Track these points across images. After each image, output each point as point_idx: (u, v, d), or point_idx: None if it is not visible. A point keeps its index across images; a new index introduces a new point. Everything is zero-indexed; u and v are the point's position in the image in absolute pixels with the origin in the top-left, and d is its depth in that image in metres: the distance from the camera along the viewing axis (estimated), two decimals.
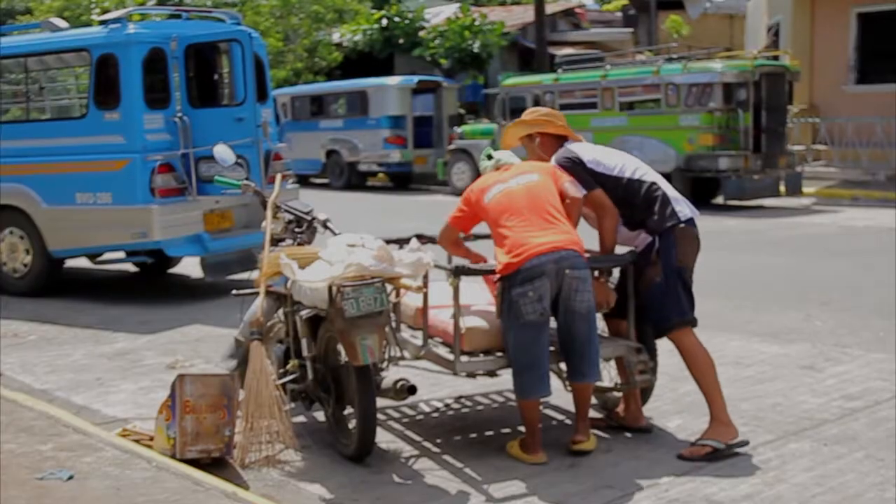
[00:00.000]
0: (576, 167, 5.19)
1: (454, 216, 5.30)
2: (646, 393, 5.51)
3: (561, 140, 5.42)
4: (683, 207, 5.18)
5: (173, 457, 4.77)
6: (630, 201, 5.17)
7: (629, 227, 5.23)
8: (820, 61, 21.03)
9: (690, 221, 5.16)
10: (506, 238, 4.88)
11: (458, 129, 21.62)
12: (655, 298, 5.14)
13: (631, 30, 33.38)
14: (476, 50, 28.15)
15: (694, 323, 5.17)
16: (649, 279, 5.13)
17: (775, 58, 18.69)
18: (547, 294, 4.77)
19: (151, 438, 5.04)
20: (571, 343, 4.90)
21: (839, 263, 10.84)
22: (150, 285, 10.77)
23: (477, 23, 28.71)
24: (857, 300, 8.83)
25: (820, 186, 18.51)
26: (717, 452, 4.91)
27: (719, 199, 16.69)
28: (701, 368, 5.13)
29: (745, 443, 5.03)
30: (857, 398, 5.91)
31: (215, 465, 4.81)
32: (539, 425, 4.99)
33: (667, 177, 16.75)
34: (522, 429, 5.39)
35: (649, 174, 5.29)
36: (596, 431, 5.21)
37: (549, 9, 31.91)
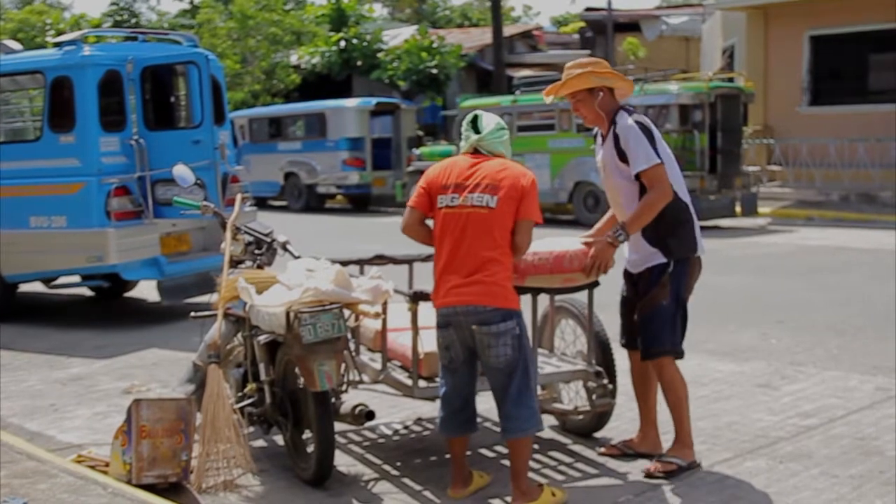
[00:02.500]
0: (649, 134, 4.87)
1: (414, 198, 4.68)
2: (605, 416, 5.53)
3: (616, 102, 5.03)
4: (701, 239, 5.08)
5: (129, 482, 4.71)
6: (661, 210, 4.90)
7: (643, 230, 4.94)
8: (774, 83, 21.31)
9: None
10: (435, 267, 4.65)
11: (417, 151, 21.67)
12: (655, 321, 4.99)
13: (588, 52, 33.64)
14: (434, 72, 28.25)
15: (681, 355, 5.10)
16: (655, 299, 4.97)
17: (730, 80, 18.92)
18: (454, 344, 4.57)
19: (107, 464, 4.99)
20: (495, 396, 4.64)
21: (794, 282, 10.96)
22: (105, 309, 10.67)
23: (435, 45, 28.82)
24: (812, 318, 8.93)
25: (775, 207, 18.73)
26: (681, 470, 4.95)
27: None
28: (676, 397, 5.06)
29: (699, 465, 5.08)
30: (812, 416, 5.97)
31: (172, 490, 4.75)
32: (460, 460, 4.82)
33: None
34: (482, 451, 5.41)
35: (686, 194, 5.07)
36: (542, 479, 5.18)
37: (507, 31, 32.19)
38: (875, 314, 9.10)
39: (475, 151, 4.67)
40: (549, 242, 4.97)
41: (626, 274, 5.22)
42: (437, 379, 5.09)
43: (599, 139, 5.15)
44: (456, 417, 4.74)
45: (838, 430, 5.69)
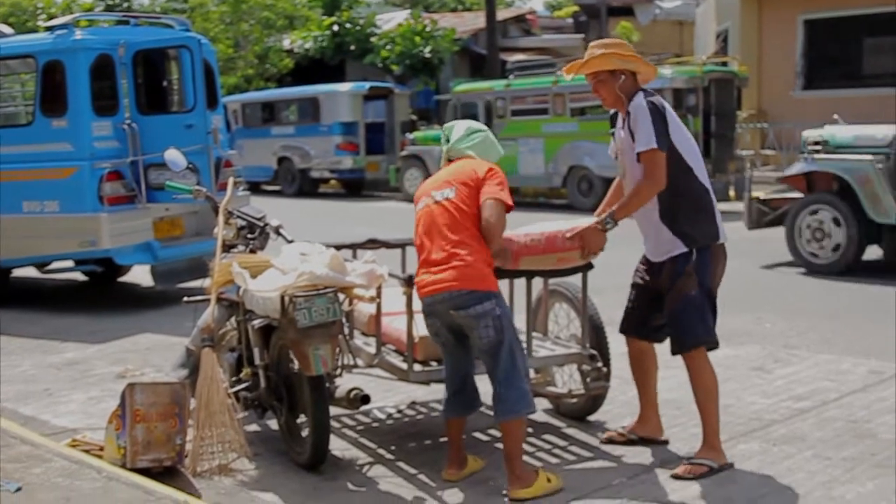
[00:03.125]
0: (659, 117, 4.72)
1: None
2: (599, 399, 5.54)
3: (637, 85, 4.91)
4: (722, 225, 4.94)
5: (124, 466, 4.71)
6: (681, 194, 4.79)
7: (661, 216, 4.83)
8: (768, 67, 21.29)
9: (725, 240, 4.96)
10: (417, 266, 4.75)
11: (410, 136, 21.61)
12: (686, 312, 4.80)
13: (582, 36, 33.57)
14: (427, 56, 28.17)
15: (716, 344, 4.91)
16: (682, 290, 4.79)
17: (724, 64, 18.89)
18: (441, 330, 4.66)
19: (101, 448, 4.99)
20: (490, 379, 4.65)
21: (789, 266, 10.96)
22: (99, 294, 10.65)
23: (428, 29, 28.72)
24: (806, 303, 8.95)
25: (769, 191, 18.70)
26: (712, 472, 4.73)
27: None
28: (707, 390, 4.86)
29: (731, 465, 4.85)
30: (806, 398, 5.99)
31: (167, 474, 4.76)
32: (456, 443, 4.85)
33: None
34: (476, 435, 5.42)
35: (707, 178, 4.93)
36: (536, 463, 5.19)
37: (501, 15, 32.05)
38: (868, 298, 9.12)
39: (449, 160, 4.89)
40: (540, 225, 4.95)
41: (646, 261, 5.08)
42: (433, 363, 5.11)
43: (619, 120, 5.00)
44: (455, 398, 4.80)
45: (831, 413, 5.71)
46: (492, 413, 4.90)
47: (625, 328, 5.22)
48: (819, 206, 10.42)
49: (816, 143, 10.76)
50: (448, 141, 4.89)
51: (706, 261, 4.84)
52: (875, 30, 20.37)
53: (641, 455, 5.09)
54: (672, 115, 4.81)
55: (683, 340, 4.85)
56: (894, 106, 18.96)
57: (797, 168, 10.95)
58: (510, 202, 4.58)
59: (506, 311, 4.59)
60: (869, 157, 10.01)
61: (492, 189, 4.57)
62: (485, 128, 4.95)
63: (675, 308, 4.85)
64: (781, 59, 21.00)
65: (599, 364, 5.29)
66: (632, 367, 5.29)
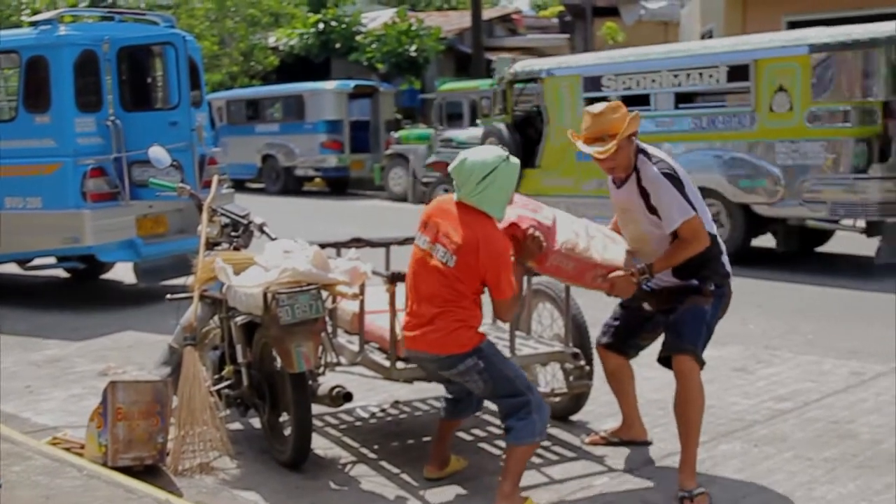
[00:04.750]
0: (678, 182, 4.56)
1: None
2: (582, 398, 5.54)
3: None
4: (727, 260, 4.81)
5: (105, 465, 4.70)
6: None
7: (673, 272, 4.73)
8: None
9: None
10: (406, 297, 4.68)
11: (395, 134, 21.60)
12: (693, 320, 4.65)
13: (567, 36, 33.62)
14: (413, 55, 28.16)
15: (702, 364, 4.68)
16: (695, 302, 4.67)
17: None
18: (429, 373, 4.78)
19: (82, 447, 4.97)
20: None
21: (772, 268, 11.00)
22: (81, 291, 10.60)
23: (414, 28, 28.71)
24: (788, 304, 8.98)
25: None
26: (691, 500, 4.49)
27: None
28: (696, 410, 4.64)
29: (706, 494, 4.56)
30: (787, 399, 6.02)
31: (148, 472, 4.74)
32: (443, 442, 4.86)
33: None
34: (459, 434, 5.41)
35: (712, 224, 4.75)
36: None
37: (486, 14, 32.09)
38: (850, 299, 9.17)
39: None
40: (584, 236, 4.71)
41: (643, 288, 4.85)
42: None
43: (613, 182, 4.79)
44: (456, 405, 4.83)
45: (812, 414, 5.73)
46: (477, 415, 4.91)
47: (606, 343, 5.14)
48: (439, 183, 15.64)
49: (447, 140, 16.40)
50: (458, 188, 4.48)
51: (720, 293, 4.73)
52: None
53: (624, 455, 5.10)
54: (681, 171, 4.65)
55: (682, 343, 4.65)
56: None
57: (432, 158, 16.85)
58: (514, 288, 4.47)
59: (492, 357, 4.43)
60: None
61: (499, 286, 4.37)
62: (494, 164, 4.35)
63: (683, 316, 4.68)
64: None
65: (582, 363, 5.29)
66: (609, 380, 5.27)
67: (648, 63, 12.15)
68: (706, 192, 10.30)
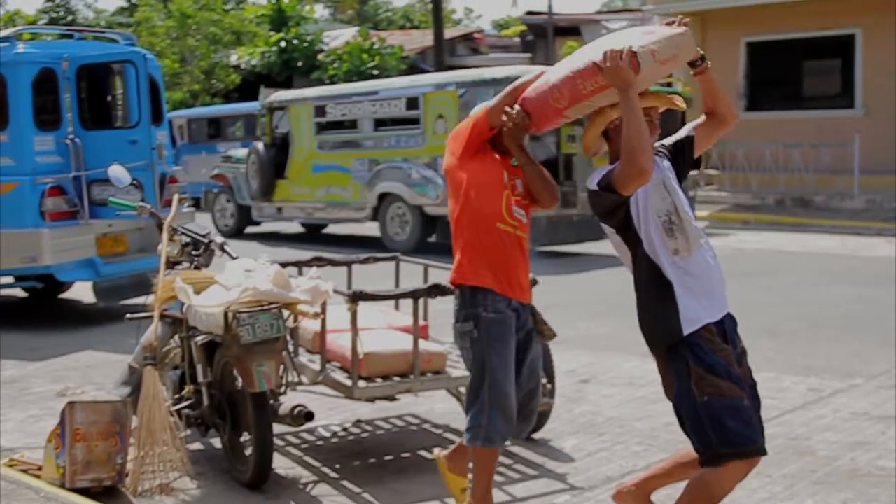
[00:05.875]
0: None
1: None
2: (544, 416, 5.56)
3: None
4: None
5: (63, 486, 4.64)
6: None
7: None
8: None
9: None
10: None
11: None
12: None
13: (529, 55, 33.81)
14: (375, 73, 28.22)
15: None
16: None
17: (668, 84, 19.13)
18: None
19: (40, 468, 4.91)
20: None
21: (731, 285, 11.05)
22: (39, 311, 10.49)
23: (376, 46, 28.79)
24: (747, 321, 9.01)
25: (712, 210, 18.98)
26: None
27: None
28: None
29: None
30: None
31: (107, 493, 4.69)
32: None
33: (564, 195, 16.60)
34: (421, 453, 5.41)
35: None
36: None
37: (448, 33, 32.23)
38: (808, 317, 9.27)
39: None
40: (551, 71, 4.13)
41: (716, 329, 3.85)
42: (378, 379, 5.10)
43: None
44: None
45: (772, 431, 5.74)
46: (436, 432, 4.90)
47: (762, 444, 3.74)
48: (221, 192, 17.79)
49: (227, 157, 18.22)
50: None
51: None
52: (814, 52, 20.77)
53: (585, 473, 5.11)
54: None
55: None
56: (833, 128, 19.38)
57: (215, 171, 18.23)
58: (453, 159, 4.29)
59: (486, 339, 4.17)
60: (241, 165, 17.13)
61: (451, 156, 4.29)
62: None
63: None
64: (725, 81, 21.01)
65: (544, 380, 5.30)
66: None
67: (356, 95, 15.42)
68: (394, 198, 14.53)
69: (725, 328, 3.83)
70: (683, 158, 4.04)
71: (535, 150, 13.38)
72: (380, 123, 14.99)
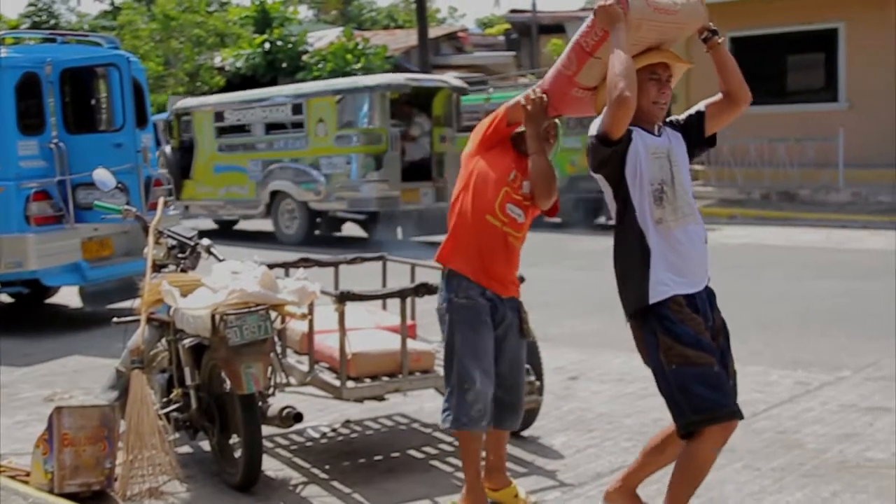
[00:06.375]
0: None
1: None
2: (532, 413, 5.56)
3: None
4: None
5: (51, 492, 4.62)
6: None
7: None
8: (696, 84, 21.57)
9: None
10: None
11: None
12: None
13: (513, 53, 33.87)
14: (359, 73, 28.18)
15: None
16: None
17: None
18: None
19: (28, 474, 4.89)
20: None
21: (718, 279, 11.08)
22: (26, 316, 10.45)
23: (360, 47, 28.76)
24: (735, 316, 9.03)
25: (698, 205, 18.91)
26: None
27: (602, 220, 17.01)
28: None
29: None
30: None
31: (96, 498, 4.68)
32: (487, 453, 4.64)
33: None
34: (411, 453, 5.41)
35: None
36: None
37: (433, 33, 32.23)
38: (795, 310, 9.30)
39: None
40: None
41: (689, 301, 3.91)
42: (366, 380, 5.09)
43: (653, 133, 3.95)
44: (498, 411, 4.52)
45: (760, 424, 5.80)
46: (425, 431, 4.89)
47: (735, 408, 3.84)
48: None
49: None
50: None
51: None
52: (798, 47, 20.84)
53: (575, 470, 5.12)
54: None
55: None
56: (817, 122, 19.45)
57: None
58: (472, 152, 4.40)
59: (456, 321, 4.29)
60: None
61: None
62: None
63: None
64: (709, 76, 20.94)
65: (532, 378, 5.31)
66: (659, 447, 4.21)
67: (249, 101, 16.86)
68: (283, 195, 16.01)
69: (697, 302, 3.90)
70: (693, 133, 4.09)
71: (411, 149, 16.10)
72: (271, 127, 16.39)
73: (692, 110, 4.15)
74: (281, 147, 16.13)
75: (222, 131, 17.06)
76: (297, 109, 15.81)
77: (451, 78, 17.27)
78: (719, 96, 4.10)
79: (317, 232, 16.14)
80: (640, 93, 3.79)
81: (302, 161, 15.69)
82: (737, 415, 3.77)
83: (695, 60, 4.10)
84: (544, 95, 4.16)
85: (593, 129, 3.81)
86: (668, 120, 4.09)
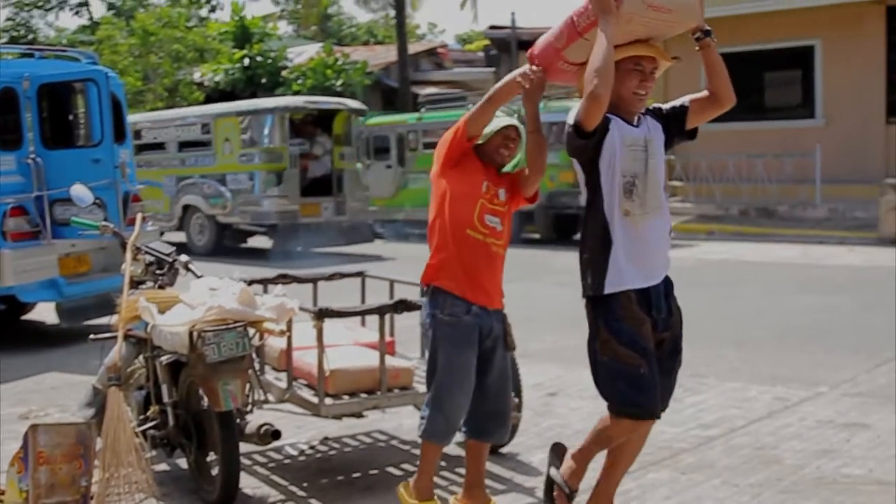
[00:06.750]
0: None
1: None
2: (512, 429, 5.55)
3: None
4: None
5: None
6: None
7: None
8: (674, 92, 21.71)
9: None
10: None
11: None
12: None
13: (493, 69, 33.90)
14: (339, 89, 28.20)
15: None
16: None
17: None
18: None
19: (2, 493, 4.84)
20: None
21: (696, 296, 11.15)
22: (1, 333, 10.37)
23: (340, 62, 28.78)
24: (714, 331, 9.11)
25: (677, 221, 19.10)
26: None
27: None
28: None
29: None
30: (713, 426, 6.09)
31: None
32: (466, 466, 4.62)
33: (529, 214, 17.33)
34: (389, 470, 5.39)
35: None
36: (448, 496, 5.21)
37: (412, 48, 32.32)
38: (773, 326, 9.34)
39: None
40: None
41: (640, 297, 4.01)
42: (345, 396, 5.08)
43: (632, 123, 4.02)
44: (473, 420, 4.53)
45: (738, 440, 5.81)
46: (404, 448, 4.87)
47: (655, 407, 4.04)
48: None
49: None
50: None
51: None
52: (775, 64, 21.00)
53: None
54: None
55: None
56: (794, 138, 19.59)
57: None
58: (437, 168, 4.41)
59: (439, 337, 4.30)
60: None
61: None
62: None
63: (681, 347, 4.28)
64: (687, 92, 21.34)
65: (512, 394, 5.30)
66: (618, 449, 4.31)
67: (164, 120, 18.50)
68: (194, 209, 17.28)
69: (651, 295, 4.01)
70: (674, 125, 4.16)
71: (314, 167, 17.51)
72: (184, 145, 17.75)
73: (676, 102, 4.21)
74: (192, 164, 17.50)
75: (141, 148, 17.40)
76: (205, 129, 17.27)
77: (349, 101, 18.68)
78: (705, 93, 4.17)
79: (224, 243, 17.27)
80: (622, 82, 3.89)
81: (210, 177, 17.03)
82: (653, 416, 4.01)
83: (681, 56, 4.12)
84: (541, 70, 4.16)
85: (570, 117, 3.91)
86: (651, 107, 4.16)
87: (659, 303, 4.06)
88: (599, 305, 4.01)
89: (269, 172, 16.24)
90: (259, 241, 18.21)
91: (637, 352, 3.94)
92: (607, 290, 3.96)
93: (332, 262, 14.29)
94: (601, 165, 3.92)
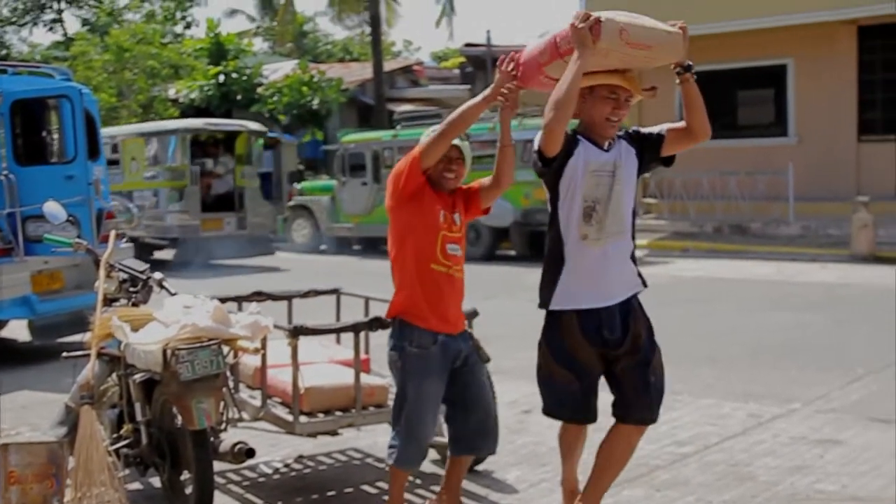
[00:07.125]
0: None
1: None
2: None
3: None
4: None
5: None
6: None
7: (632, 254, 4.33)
8: (648, 118, 21.79)
9: None
10: None
11: (298, 186, 21.59)
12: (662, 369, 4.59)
13: (468, 86, 33.96)
14: (315, 106, 28.16)
15: None
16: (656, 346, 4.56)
17: None
18: None
19: None
20: None
21: (671, 313, 11.20)
22: None
23: (315, 79, 28.76)
24: (688, 349, 9.15)
25: (651, 238, 19.18)
26: None
27: None
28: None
29: None
30: (688, 443, 6.11)
31: None
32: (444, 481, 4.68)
33: (504, 231, 17.40)
34: (364, 488, 5.37)
35: None
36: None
37: (388, 66, 32.34)
38: (747, 343, 9.38)
39: None
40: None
41: (590, 315, 4.16)
42: (320, 414, 5.06)
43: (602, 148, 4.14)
44: (455, 436, 4.62)
45: (713, 457, 5.83)
46: (380, 465, 4.85)
47: (579, 416, 4.35)
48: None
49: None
50: None
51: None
52: (748, 82, 21.17)
53: None
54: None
55: (658, 406, 4.46)
56: (767, 156, 19.74)
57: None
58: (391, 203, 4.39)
59: (408, 370, 4.35)
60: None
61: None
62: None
63: (659, 362, 4.47)
64: (661, 110, 21.47)
65: (495, 403, 5.29)
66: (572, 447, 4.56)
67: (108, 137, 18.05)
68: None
69: (602, 316, 4.11)
70: (648, 152, 4.25)
71: (217, 184, 18.77)
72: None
73: (654, 129, 4.29)
74: (116, 181, 17.67)
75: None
76: (115, 148, 18.18)
77: (250, 123, 19.86)
78: (682, 124, 4.23)
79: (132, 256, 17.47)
80: (596, 107, 4.03)
81: (118, 194, 17.31)
82: (578, 422, 4.36)
83: (657, 86, 4.16)
84: (516, 87, 4.23)
85: (535, 141, 4.04)
86: (629, 130, 4.24)
87: (612, 323, 4.14)
88: (546, 318, 4.25)
89: (171, 189, 17.60)
90: (167, 255, 18.85)
91: (572, 371, 4.17)
92: (553, 306, 4.18)
93: (229, 273, 16.07)
94: (560, 189, 4.05)
